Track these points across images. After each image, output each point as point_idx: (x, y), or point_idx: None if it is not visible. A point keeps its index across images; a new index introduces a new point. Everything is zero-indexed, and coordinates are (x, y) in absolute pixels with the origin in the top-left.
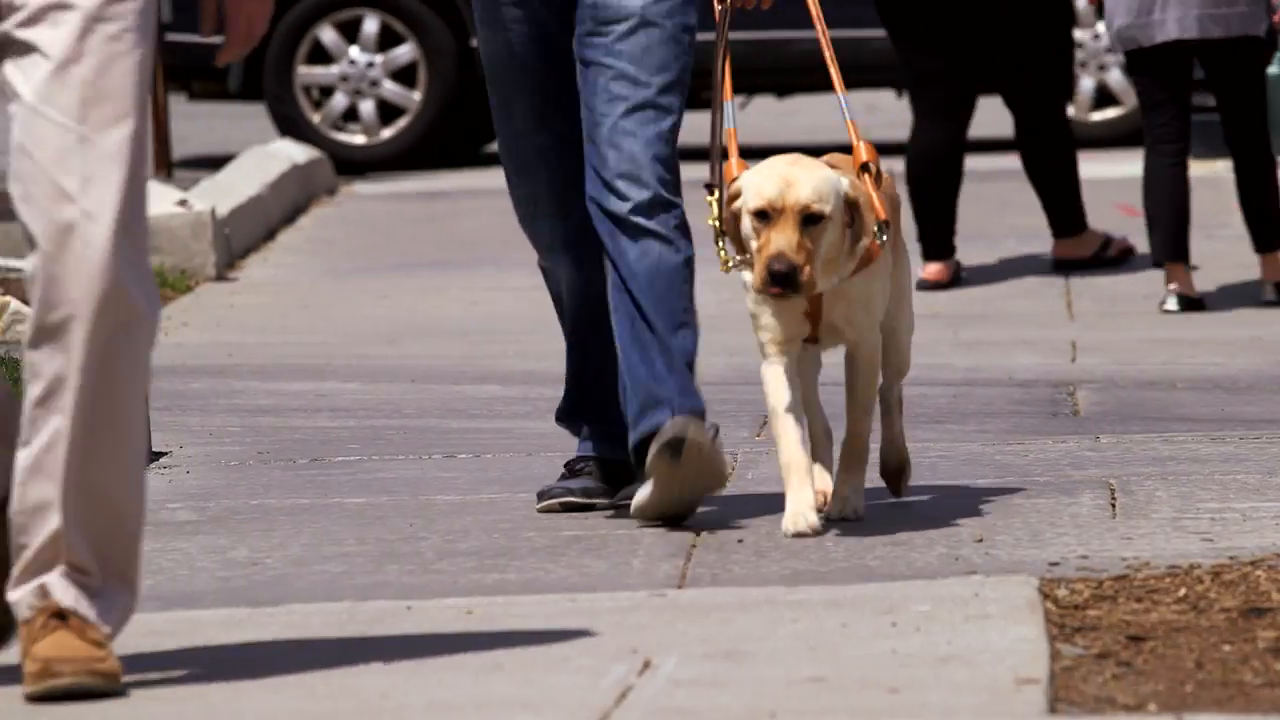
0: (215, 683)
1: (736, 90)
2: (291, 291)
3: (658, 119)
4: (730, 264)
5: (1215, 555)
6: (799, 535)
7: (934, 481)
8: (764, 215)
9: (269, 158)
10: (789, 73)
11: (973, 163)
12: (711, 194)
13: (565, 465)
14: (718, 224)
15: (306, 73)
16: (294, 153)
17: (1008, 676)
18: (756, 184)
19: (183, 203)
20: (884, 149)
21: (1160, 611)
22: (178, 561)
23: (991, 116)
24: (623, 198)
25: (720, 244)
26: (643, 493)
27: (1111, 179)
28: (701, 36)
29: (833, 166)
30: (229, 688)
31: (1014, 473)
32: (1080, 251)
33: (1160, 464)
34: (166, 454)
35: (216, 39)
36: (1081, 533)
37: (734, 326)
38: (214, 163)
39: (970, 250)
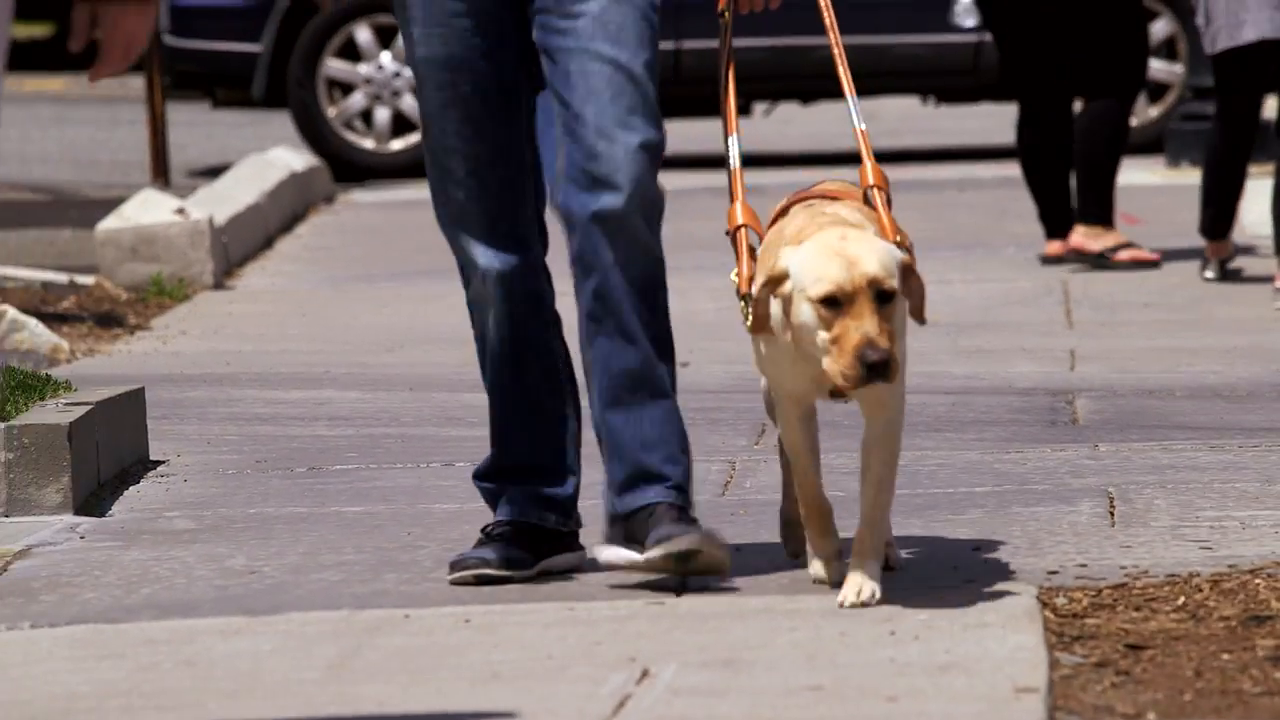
0: (212, 692)
1: (762, 96)
2: (289, 300)
3: (643, 105)
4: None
5: (1214, 564)
6: (821, 584)
7: (932, 489)
8: (833, 302)
9: (267, 166)
10: (813, 78)
11: (973, 169)
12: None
13: (482, 530)
14: (740, 282)
15: (334, 65)
16: (292, 161)
17: (1006, 685)
18: (816, 267)
19: (180, 211)
20: (882, 156)
21: (1159, 620)
22: (175, 570)
23: (991, 124)
24: (610, 193)
25: (744, 305)
26: (633, 557)
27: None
28: (704, 44)
29: (835, 197)
30: (226, 697)
31: (1012, 481)
32: (1091, 245)
33: (1159, 472)
34: (164, 462)
35: (229, 45)
36: (1080, 541)
37: (732, 334)
38: (212, 171)
39: (969, 257)
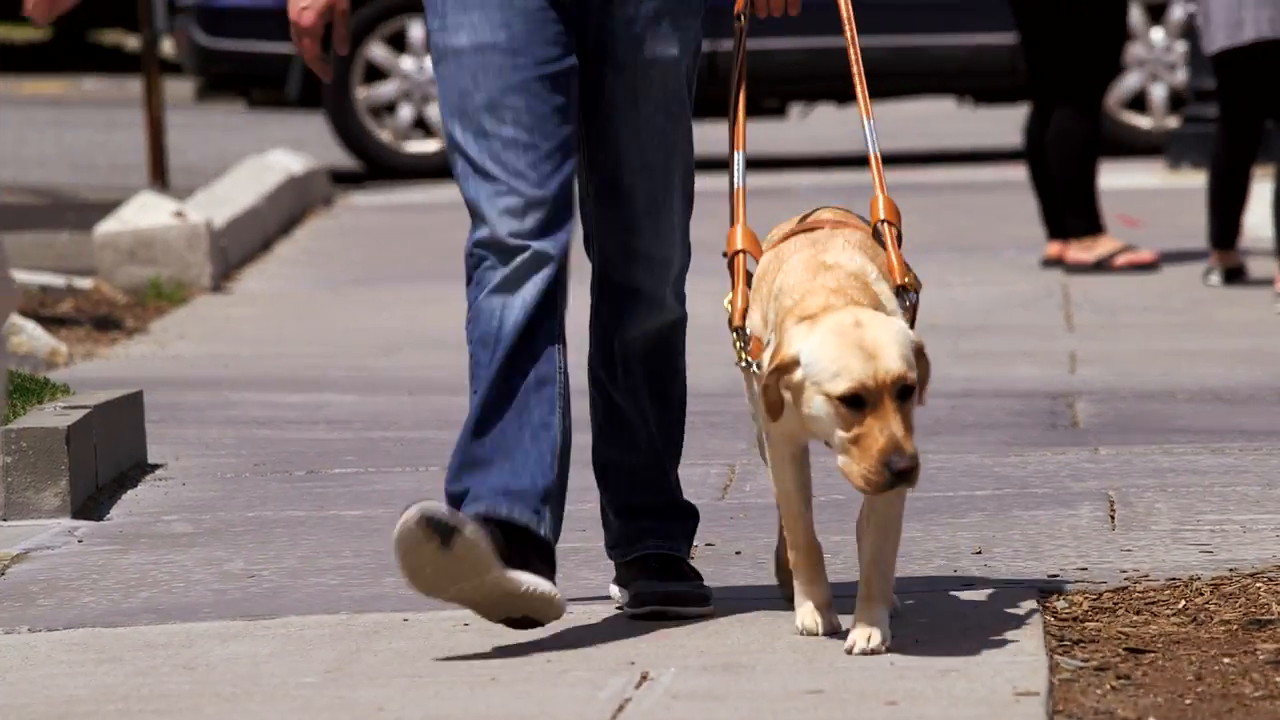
0: (210, 696)
1: (798, 97)
2: (288, 303)
3: (682, 166)
4: (746, 363)
5: (1215, 567)
6: (811, 635)
7: (932, 493)
8: (855, 401)
9: (265, 169)
10: (850, 80)
11: (972, 173)
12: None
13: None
14: (731, 309)
15: (376, 51)
16: (290, 164)
17: (1006, 689)
18: (834, 360)
19: (178, 214)
20: (881, 158)
21: (1159, 624)
22: (173, 574)
23: (990, 127)
24: (646, 270)
25: (736, 337)
26: (619, 599)
27: (1114, 189)
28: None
29: (839, 224)
30: (224, 701)
31: (1013, 484)
32: (1084, 257)
33: (1160, 476)
34: (162, 466)
35: (264, 45)
36: (1080, 545)
37: (730, 338)
38: (211, 174)
39: (969, 260)
